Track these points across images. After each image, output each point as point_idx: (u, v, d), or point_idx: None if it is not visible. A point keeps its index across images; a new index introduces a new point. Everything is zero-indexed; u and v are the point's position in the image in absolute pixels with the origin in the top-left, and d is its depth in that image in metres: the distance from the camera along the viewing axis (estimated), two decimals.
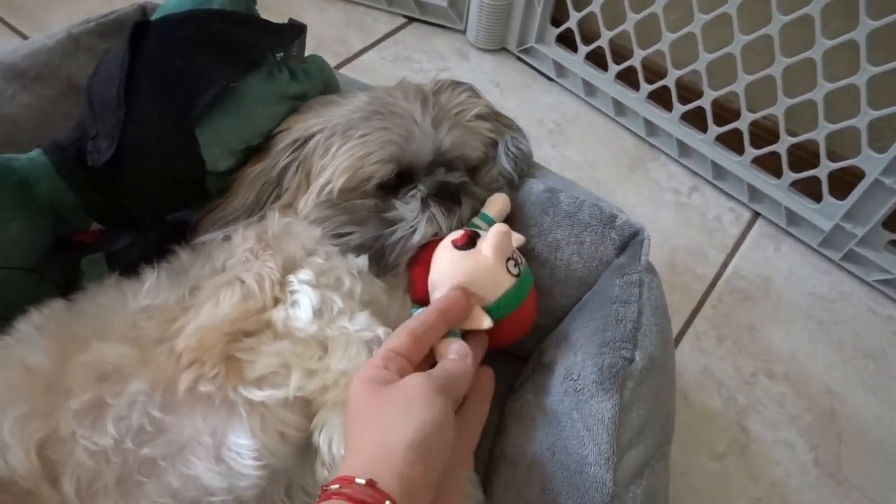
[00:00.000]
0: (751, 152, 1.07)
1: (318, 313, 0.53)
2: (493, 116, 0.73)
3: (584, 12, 1.17)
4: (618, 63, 1.17)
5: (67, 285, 0.65)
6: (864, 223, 0.99)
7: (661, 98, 1.15)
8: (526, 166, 0.73)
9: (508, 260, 0.59)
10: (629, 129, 1.23)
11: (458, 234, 0.59)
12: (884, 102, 0.89)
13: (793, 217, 1.08)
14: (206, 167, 0.64)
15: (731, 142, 1.10)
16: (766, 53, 0.96)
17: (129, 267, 0.64)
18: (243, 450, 0.50)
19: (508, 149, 0.72)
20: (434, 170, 0.65)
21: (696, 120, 1.13)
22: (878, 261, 1.01)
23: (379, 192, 0.63)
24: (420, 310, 0.59)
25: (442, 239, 0.61)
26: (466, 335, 0.57)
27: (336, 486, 0.41)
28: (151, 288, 0.57)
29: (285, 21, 0.71)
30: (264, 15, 0.71)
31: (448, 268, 0.58)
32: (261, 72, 0.67)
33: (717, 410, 0.90)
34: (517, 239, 0.65)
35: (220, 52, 0.65)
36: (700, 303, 1.02)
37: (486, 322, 0.58)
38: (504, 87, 1.28)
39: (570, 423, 0.57)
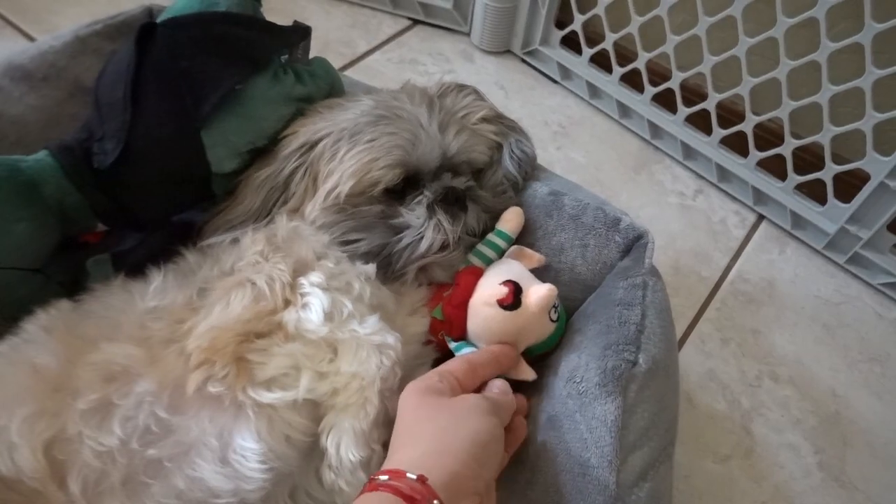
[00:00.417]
0: (755, 155, 1.07)
1: (328, 316, 0.53)
2: (498, 119, 0.73)
3: (589, 15, 1.17)
4: (622, 65, 1.17)
5: (73, 286, 0.65)
6: (869, 226, 0.98)
7: (665, 100, 1.15)
8: (530, 169, 0.73)
9: (551, 309, 0.61)
10: (634, 132, 1.22)
11: (502, 291, 0.59)
12: (889, 105, 0.89)
13: (798, 220, 1.08)
14: (212, 169, 0.65)
15: (736, 144, 1.10)
16: (770, 56, 0.96)
17: (134, 268, 0.64)
18: (249, 453, 0.50)
19: (513, 151, 0.72)
20: (440, 174, 0.65)
21: (700, 122, 1.13)
22: (884, 264, 1.01)
23: (385, 198, 0.63)
24: (466, 348, 0.61)
25: (478, 276, 0.62)
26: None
27: (385, 477, 0.41)
28: (158, 289, 0.57)
29: (291, 23, 0.72)
30: (270, 17, 0.71)
31: (497, 326, 0.60)
32: (266, 74, 0.67)
33: (721, 413, 0.90)
34: (539, 260, 0.66)
35: (225, 54, 0.65)
36: (704, 305, 1.01)
37: (531, 375, 0.61)
38: (509, 89, 1.28)
39: (573, 425, 0.57)
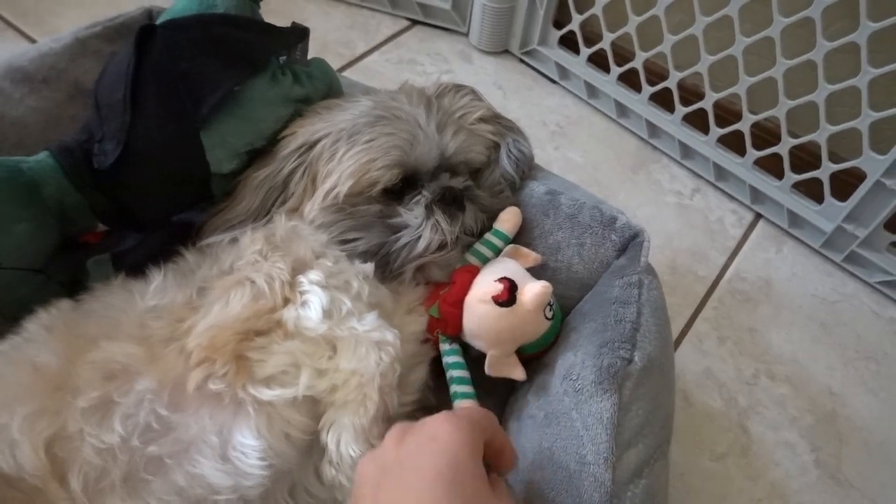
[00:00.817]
0: (752, 154, 1.07)
1: (327, 314, 0.54)
2: (495, 119, 0.73)
3: (587, 15, 1.17)
4: (620, 65, 1.18)
5: (73, 286, 0.66)
6: (865, 225, 0.99)
7: (663, 100, 1.16)
8: (527, 168, 0.73)
9: (545, 306, 0.61)
10: (631, 131, 1.23)
11: (497, 288, 0.60)
12: (885, 104, 0.89)
13: (794, 218, 1.09)
14: (211, 169, 0.65)
15: (733, 143, 1.10)
16: (767, 55, 0.97)
17: (134, 268, 0.65)
18: (249, 450, 0.51)
19: (510, 151, 0.72)
20: (438, 174, 0.65)
21: (697, 122, 1.13)
22: (880, 262, 1.02)
23: (384, 197, 0.64)
24: (452, 356, 0.62)
25: (474, 274, 0.62)
26: None
27: None
28: (158, 288, 0.57)
29: (289, 24, 0.72)
30: (269, 18, 0.72)
31: (492, 323, 0.60)
32: (265, 75, 0.68)
33: (717, 411, 0.91)
34: (535, 259, 0.66)
35: (224, 55, 0.66)
36: (702, 304, 1.02)
37: (522, 375, 0.63)
38: (507, 89, 1.28)
39: (569, 422, 0.57)
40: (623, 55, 1.17)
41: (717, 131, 1.10)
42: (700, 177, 1.17)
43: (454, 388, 0.62)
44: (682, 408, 0.90)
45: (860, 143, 0.93)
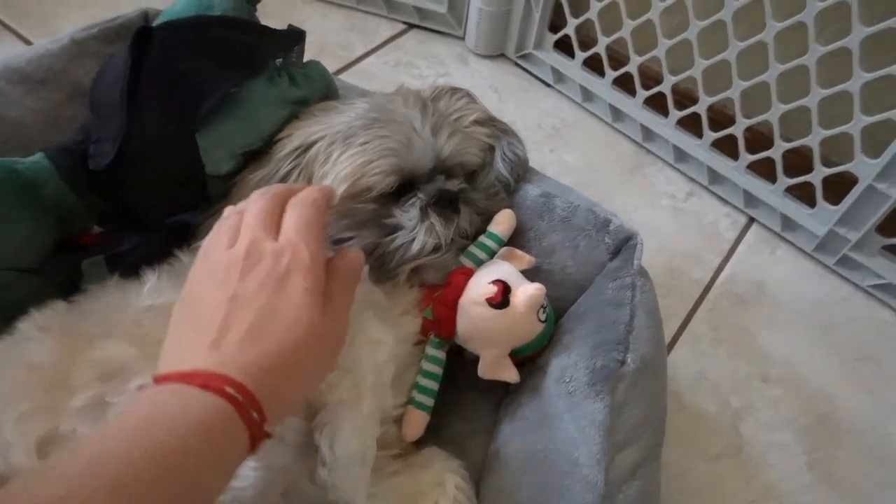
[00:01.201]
0: (746, 158, 1.08)
1: None
2: (490, 122, 0.74)
3: (582, 19, 1.18)
4: (615, 69, 1.18)
5: (70, 287, 0.66)
6: (857, 228, 0.99)
7: (657, 104, 1.16)
8: (522, 171, 0.74)
9: (539, 308, 0.62)
10: (626, 135, 1.23)
11: (491, 290, 0.60)
12: (877, 108, 0.90)
13: (788, 222, 1.09)
14: (207, 171, 0.66)
15: (727, 147, 1.11)
16: (760, 60, 0.97)
17: (131, 269, 0.65)
18: None
19: (505, 154, 0.73)
20: (433, 176, 0.66)
21: (692, 126, 1.14)
22: (872, 266, 1.02)
23: (379, 198, 0.64)
24: (433, 358, 0.63)
25: (469, 276, 0.63)
26: None
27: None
28: (153, 289, 0.57)
29: (286, 27, 0.73)
30: (268, 21, 0.72)
31: (486, 325, 0.61)
32: (262, 77, 0.68)
33: (712, 413, 0.91)
34: (529, 261, 0.66)
35: (221, 56, 0.66)
36: (696, 306, 1.02)
37: (515, 377, 0.63)
38: (502, 92, 1.29)
39: (562, 424, 0.58)
40: (618, 59, 1.17)
41: (710, 135, 1.11)
42: (694, 180, 1.18)
43: (414, 394, 0.62)
44: (677, 410, 0.90)
45: (852, 147, 0.94)
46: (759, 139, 1.07)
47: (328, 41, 1.32)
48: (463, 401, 0.69)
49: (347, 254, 0.50)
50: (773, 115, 1.00)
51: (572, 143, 1.22)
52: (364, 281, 0.59)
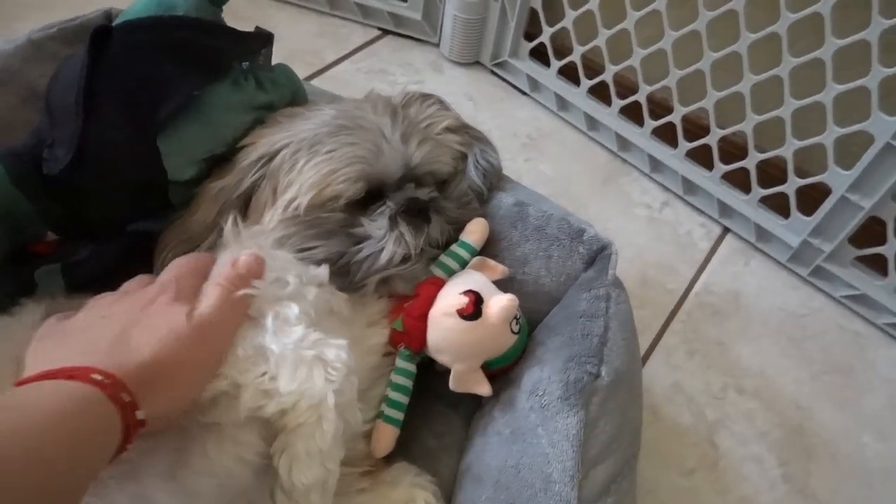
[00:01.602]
0: (720, 168, 1.08)
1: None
2: (463, 129, 0.72)
3: (557, 27, 1.17)
4: (590, 78, 1.18)
5: (21, 297, 0.63)
6: (831, 239, 1.00)
7: (632, 113, 1.16)
8: (496, 179, 0.72)
9: (512, 320, 0.60)
10: (602, 144, 1.23)
11: (463, 301, 0.58)
12: (849, 120, 0.90)
13: (762, 233, 1.09)
14: (169, 176, 0.63)
15: (702, 157, 1.11)
16: (734, 70, 0.97)
17: (87, 279, 0.62)
18: (197, 468, 0.48)
19: (478, 162, 0.71)
20: (403, 185, 0.64)
21: (667, 135, 1.14)
22: (845, 277, 1.02)
23: (347, 207, 0.62)
24: (403, 371, 0.61)
25: (439, 287, 0.61)
26: None
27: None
28: None
29: (254, 29, 0.71)
30: (237, 24, 0.70)
31: (457, 337, 0.59)
32: (226, 80, 0.66)
33: (686, 426, 0.90)
34: (502, 271, 0.65)
35: (184, 59, 0.64)
36: (670, 317, 1.02)
37: (488, 390, 0.61)
38: (478, 100, 1.28)
39: (535, 439, 0.56)
40: (593, 68, 1.17)
41: (685, 145, 1.11)
42: (669, 190, 1.18)
43: (384, 408, 0.60)
44: (651, 422, 0.89)
45: (825, 158, 0.94)
46: (733, 149, 1.07)
47: (297, 47, 1.30)
48: (432, 415, 0.68)
49: (238, 259, 0.52)
50: (748, 125, 1.00)
51: (548, 153, 1.21)
52: (321, 287, 0.56)
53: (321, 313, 0.54)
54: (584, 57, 1.17)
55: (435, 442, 0.66)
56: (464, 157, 0.71)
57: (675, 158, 1.13)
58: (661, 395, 0.93)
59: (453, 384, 0.61)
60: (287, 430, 0.48)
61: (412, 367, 0.62)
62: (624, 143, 1.20)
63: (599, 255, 0.66)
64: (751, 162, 1.04)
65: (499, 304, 0.58)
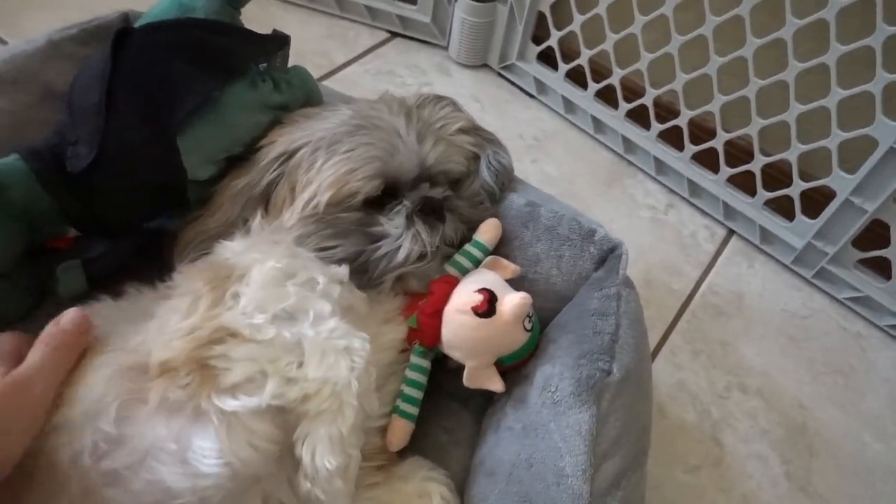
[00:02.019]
0: (725, 171, 1.09)
1: (262, 311, 0.52)
2: (475, 131, 0.73)
3: (565, 31, 1.19)
4: (597, 81, 1.19)
5: (41, 292, 0.64)
6: (834, 242, 1.01)
7: (638, 116, 1.17)
8: (507, 180, 0.74)
9: (525, 318, 0.61)
10: (607, 146, 1.24)
11: (477, 299, 0.59)
12: (853, 124, 0.92)
13: (766, 235, 1.11)
14: (187, 175, 0.64)
15: (707, 160, 1.12)
16: (740, 75, 0.99)
17: (103, 274, 0.64)
18: (207, 451, 0.49)
19: (490, 162, 0.73)
20: (418, 184, 0.65)
21: (672, 138, 1.15)
22: (848, 279, 1.04)
23: (364, 206, 0.63)
24: (418, 367, 0.62)
25: (453, 285, 0.62)
26: None
27: None
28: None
29: (269, 31, 0.72)
30: (247, 25, 0.71)
31: (471, 334, 0.60)
32: (243, 81, 0.67)
33: (691, 424, 0.91)
34: (514, 270, 0.66)
35: (202, 60, 0.65)
36: (675, 318, 1.03)
37: (500, 386, 0.62)
38: (485, 102, 1.29)
39: (547, 434, 0.57)
40: (600, 72, 1.18)
41: (691, 148, 1.12)
42: (674, 192, 1.19)
43: (398, 403, 0.61)
44: (657, 420, 0.90)
45: (830, 162, 0.95)
46: (738, 153, 1.08)
47: (306, 49, 1.31)
48: (443, 411, 0.69)
49: (62, 317, 0.52)
50: (753, 129, 1.02)
51: (553, 154, 1.22)
52: (342, 285, 0.58)
53: (342, 311, 0.55)
54: (591, 60, 1.18)
55: (446, 437, 0.67)
56: (476, 157, 0.72)
57: (680, 161, 1.15)
58: (667, 393, 0.94)
59: (467, 380, 0.62)
60: (309, 416, 0.50)
61: (426, 364, 0.63)
62: (629, 146, 1.21)
63: (610, 254, 0.68)
64: (756, 165, 1.05)
65: (512, 302, 0.59)
